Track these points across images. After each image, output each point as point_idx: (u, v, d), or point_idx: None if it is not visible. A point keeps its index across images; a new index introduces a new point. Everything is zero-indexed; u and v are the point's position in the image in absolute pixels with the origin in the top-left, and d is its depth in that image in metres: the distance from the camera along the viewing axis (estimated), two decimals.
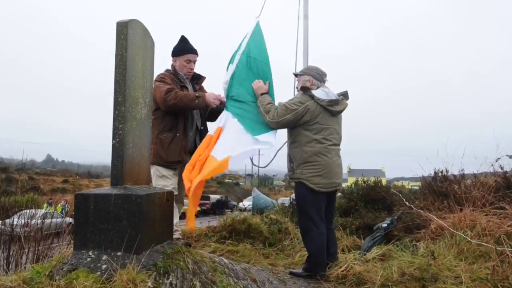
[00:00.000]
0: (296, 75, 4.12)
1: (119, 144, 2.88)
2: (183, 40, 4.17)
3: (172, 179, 4.01)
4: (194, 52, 4.18)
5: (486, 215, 4.56)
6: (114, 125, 2.91)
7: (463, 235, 4.10)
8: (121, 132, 2.88)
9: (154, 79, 3.88)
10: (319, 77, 3.91)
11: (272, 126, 3.80)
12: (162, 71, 4.22)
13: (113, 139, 2.90)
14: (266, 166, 4.66)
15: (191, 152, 4.14)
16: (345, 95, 3.90)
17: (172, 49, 4.20)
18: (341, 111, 3.80)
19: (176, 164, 4.00)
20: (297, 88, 4.12)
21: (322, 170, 3.67)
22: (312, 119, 3.69)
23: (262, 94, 3.86)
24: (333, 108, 3.72)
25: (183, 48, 4.15)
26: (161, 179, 3.96)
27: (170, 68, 4.23)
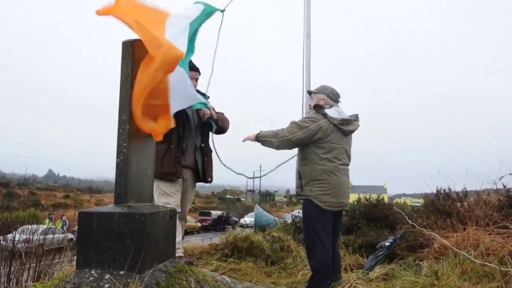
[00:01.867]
0: (310, 93, 4.14)
1: (123, 162, 2.89)
2: None
3: (175, 196, 4.00)
4: (195, 69, 4.21)
5: (489, 234, 4.54)
6: (118, 143, 2.92)
7: (466, 255, 4.07)
8: (125, 150, 2.90)
9: None
10: (334, 97, 3.92)
11: (284, 146, 3.81)
12: None
13: (117, 157, 2.92)
14: (265, 175, 4.64)
15: (191, 168, 4.15)
16: (357, 117, 3.92)
17: None
18: (352, 131, 3.81)
19: (171, 176, 3.98)
20: (309, 105, 4.15)
21: (331, 189, 3.67)
22: (324, 137, 3.69)
23: (257, 134, 3.90)
24: (345, 128, 3.73)
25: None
26: (164, 197, 3.95)
27: None
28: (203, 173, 4.19)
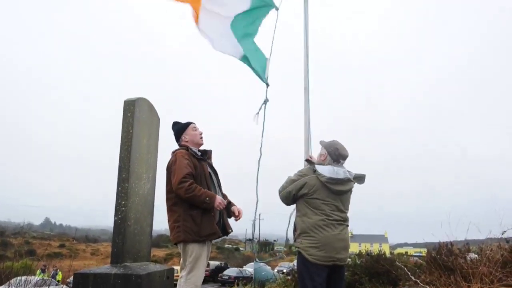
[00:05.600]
0: (321, 143, 4.14)
1: (121, 221, 2.87)
2: (176, 122, 4.25)
3: (206, 258, 3.91)
4: (193, 122, 4.27)
5: None
6: (116, 201, 2.91)
7: None
8: (123, 208, 2.89)
9: (174, 153, 3.82)
10: (334, 157, 3.85)
11: (282, 200, 3.82)
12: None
13: (115, 216, 2.90)
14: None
15: (218, 225, 4.03)
16: (360, 178, 3.83)
17: (175, 134, 4.12)
18: (342, 191, 3.67)
19: (211, 236, 3.88)
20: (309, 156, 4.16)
21: (319, 243, 3.59)
22: (310, 193, 3.66)
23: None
24: (333, 187, 3.65)
25: (184, 124, 4.21)
26: (200, 261, 3.80)
27: (181, 148, 4.06)
28: (223, 226, 4.10)
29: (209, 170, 4.16)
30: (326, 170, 3.68)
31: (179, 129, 4.18)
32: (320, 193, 3.66)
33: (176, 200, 3.78)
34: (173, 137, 4.37)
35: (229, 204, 4.15)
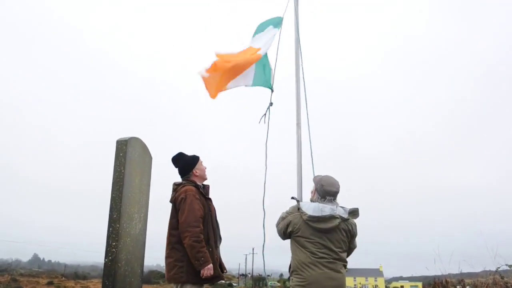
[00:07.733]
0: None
1: (112, 263, 2.83)
2: (183, 153, 4.07)
3: None
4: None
5: None
6: (107, 242, 2.88)
7: None
8: (114, 250, 2.85)
9: (184, 189, 3.69)
10: (321, 193, 3.81)
11: (280, 237, 3.82)
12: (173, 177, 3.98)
13: (105, 257, 2.86)
14: None
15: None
16: (354, 212, 3.73)
17: (183, 167, 3.98)
18: (326, 229, 3.59)
19: (214, 280, 3.77)
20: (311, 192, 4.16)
21: (305, 281, 3.54)
22: (295, 231, 3.65)
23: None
24: (315, 225, 3.60)
25: (194, 157, 4.08)
26: None
27: (184, 181, 3.94)
28: (219, 266, 3.98)
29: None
30: (311, 208, 3.65)
31: (191, 162, 4.03)
32: (304, 231, 3.63)
33: (180, 238, 3.68)
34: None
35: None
